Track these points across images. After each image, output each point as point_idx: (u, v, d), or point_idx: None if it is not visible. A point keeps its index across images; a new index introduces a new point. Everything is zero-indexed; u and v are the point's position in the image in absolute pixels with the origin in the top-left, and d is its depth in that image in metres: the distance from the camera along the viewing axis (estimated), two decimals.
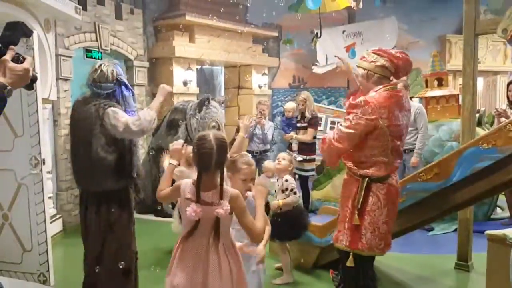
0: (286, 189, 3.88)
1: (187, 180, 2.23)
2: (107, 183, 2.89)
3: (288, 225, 3.84)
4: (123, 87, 2.99)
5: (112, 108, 2.85)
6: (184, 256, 2.22)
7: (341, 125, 2.75)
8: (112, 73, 2.92)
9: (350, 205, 2.78)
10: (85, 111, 2.89)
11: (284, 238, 3.93)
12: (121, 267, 2.98)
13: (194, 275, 2.16)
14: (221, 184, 2.13)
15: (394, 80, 2.86)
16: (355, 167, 2.78)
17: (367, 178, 2.72)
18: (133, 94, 3.10)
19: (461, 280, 4.03)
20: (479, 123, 5.96)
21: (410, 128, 5.04)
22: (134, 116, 2.89)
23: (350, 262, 2.77)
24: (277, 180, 3.98)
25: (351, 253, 2.76)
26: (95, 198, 2.94)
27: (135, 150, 3.06)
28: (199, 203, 2.11)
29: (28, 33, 1.77)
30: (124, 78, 3.03)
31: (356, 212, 2.72)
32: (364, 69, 2.81)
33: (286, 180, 3.91)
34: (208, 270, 2.15)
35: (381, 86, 2.73)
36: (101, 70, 2.91)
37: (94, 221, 2.95)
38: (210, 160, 2.11)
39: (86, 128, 2.85)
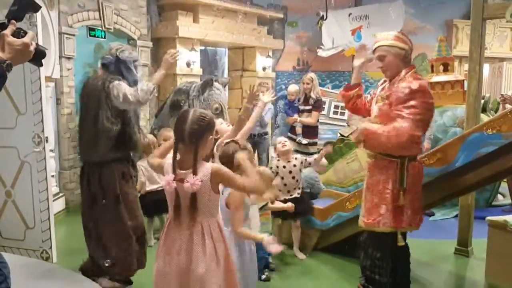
0: (308, 163, 4.11)
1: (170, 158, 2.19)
2: (110, 154, 3.10)
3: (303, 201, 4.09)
4: (122, 65, 3.17)
5: (117, 81, 3.07)
6: (168, 240, 2.18)
7: (404, 116, 2.69)
8: (117, 50, 3.16)
9: (390, 187, 2.82)
10: (94, 84, 3.14)
11: (301, 215, 4.04)
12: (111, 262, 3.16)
13: (178, 258, 2.12)
14: (194, 161, 2.06)
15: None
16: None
17: (406, 158, 2.80)
18: (133, 72, 3.22)
19: (460, 265, 4.05)
20: (484, 110, 5.92)
21: None
22: (133, 87, 3.08)
23: (400, 241, 2.85)
24: (287, 163, 4.02)
25: (398, 233, 2.84)
26: (97, 171, 3.14)
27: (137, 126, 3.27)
28: (175, 174, 2.08)
29: (36, 7, 1.77)
30: (126, 57, 3.18)
31: (402, 192, 2.78)
32: (402, 48, 2.84)
33: (306, 159, 4.12)
34: (192, 253, 2.10)
35: (410, 70, 2.85)
36: (111, 48, 3.21)
37: (98, 194, 3.14)
38: (183, 130, 2.08)
39: (94, 100, 3.08)
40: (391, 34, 2.92)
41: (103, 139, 3.06)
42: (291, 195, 4.02)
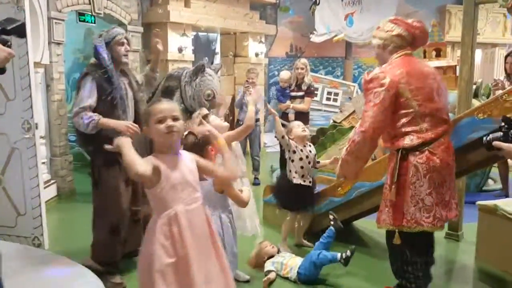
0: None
1: None
2: (89, 142, 3.21)
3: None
4: (95, 51, 3.21)
5: (87, 76, 3.16)
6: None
7: (365, 110, 2.64)
8: (98, 36, 3.24)
9: (388, 181, 2.70)
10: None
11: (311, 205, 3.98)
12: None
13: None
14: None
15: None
16: (389, 142, 2.71)
17: (400, 150, 2.63)
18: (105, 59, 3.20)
19: (451, 249, 4.09)
20: (476, 95, 5.93)
21: None
22: (81, 111, 3.10)
23: (397, 239, 2.67)
24: (303, 147, 3.87)
25: (396, 231, 2.67)
26: (90, 157, 3.30)
27: (122, 117, 3.22)
28: None
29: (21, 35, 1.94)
30: (98, 42, 3.20)
31: (393, 186, 2.62)
32: (381, 38, 2.75)
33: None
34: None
35: (395, 55, 2.69)
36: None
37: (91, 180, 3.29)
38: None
39: None
40: (380, 23, 2.83)
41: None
42: (304, 181, 3.83)
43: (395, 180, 2.64)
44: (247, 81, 6.14)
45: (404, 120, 2.62)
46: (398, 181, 2.65)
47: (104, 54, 3.17)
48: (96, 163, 3.23)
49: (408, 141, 2.61)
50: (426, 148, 2.60)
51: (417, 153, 2.60)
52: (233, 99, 6.98)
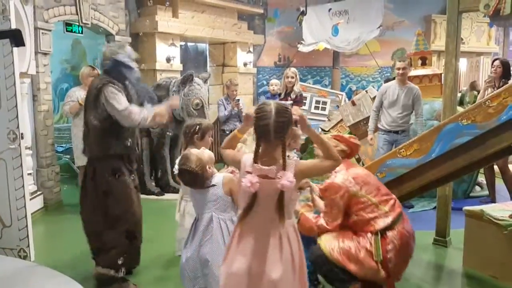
0: None
1: (250, 154, 2.07)
2: (100, 150, 3.21)
3: None
4: (121, 66, 3.26)
5: (111, 86, 3.15)
6: (242, 240, 2.06)
7: (325, 212, 2.86)
8: (111, 53, 3.25)
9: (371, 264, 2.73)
10: (92, 84, 3.30)
11: None
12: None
13: (253, 261, 2.00)
14: (283, 156, 1.96)
15: None
16: (362, 231, 2.80)
17: (378, 232, 2.75)
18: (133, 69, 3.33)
19: (439, 255, 4.11)
20: (461, 103, 6.03)
21: (403, 111, 5.07)
22: (132, 107, 3.16)
23: None
24: None
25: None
26: (91, 165, 3.29)
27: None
28: (257, 175, 1.96)
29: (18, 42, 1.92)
30: (122, 58, 3.26)
31: (380, 266, 2.70)
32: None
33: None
34: (267, 257, 1.98)
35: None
36: (105, 53, 3.28)
37: (91, 188, 3.27)
38: (268, 128, 1.93)
39: (89, 99, 3.24)
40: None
41: (91, 137, 3.22)
42: None
43: (381, 259, 2.70)
44: (233, 92, 6.19)
45: (368, 210, 2.79)
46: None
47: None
48: (104, 173, 3.23)
49: (381, 223, 2.76)
50: (396, 226, 2.77)
51: (391, 231, 2.76)
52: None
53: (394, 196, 2.92)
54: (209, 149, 2.98)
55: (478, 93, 5.89)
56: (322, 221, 2.84)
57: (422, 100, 5.23)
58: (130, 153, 3.38)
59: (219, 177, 2.63)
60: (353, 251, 2.72)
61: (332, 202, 2.81)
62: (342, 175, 2.83)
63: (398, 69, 5.17)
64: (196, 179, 2.56)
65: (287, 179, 1.90)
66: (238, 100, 6.14)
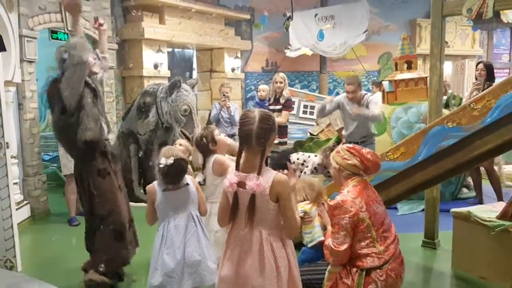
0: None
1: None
2: (75, 148, 3.26)
3: None
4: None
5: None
6: (230, 247, 2.12)
7: (333, 231, 2.72)
8: (59, 53, 3.33)
9: None
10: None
11: None
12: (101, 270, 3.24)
13: (238, 267, 2.06)
14: (260, 162, 1.98)
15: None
16: (349, 262, 2.72)
17: (364, 270, 2.66)
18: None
19: (428, 257, 4.14)
20: (447, 105, 6.09)
21: (358, 123, 4.96)
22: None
23: None
24: None
25: None
26: (77, 169, 3.36)
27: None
28: (238, 176, 2.01)
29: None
30: (66, 55, 3.29)
31: None
32: (337, 163, 2.80)
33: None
34: (249, 264, 2.03)
35: (350, 182, 2.74)
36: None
37: (80, 190, 3.37)
38: (250, 134, 1.97)
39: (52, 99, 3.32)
40: (339, 148, 2.87)
41: (61, 133, 3.33)
42: None
43: None
44: (223, 94, 6.18)
45: (363, 243, 2.68)
46: None
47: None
48: (88, 174, 3.28)
49: (370, 262, 2.66)
50: (385, 267, 2.68)
51: (378, 270, 2.66)
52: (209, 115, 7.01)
53: (393, 231, 2.79)
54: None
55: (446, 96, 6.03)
56: (329, 242, 2.70)
57: (379, 103, 5.18)
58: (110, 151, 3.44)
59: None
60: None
61: (339, 223, 2.66)
62: (355, 196, 2.65)
63: (347, 92, 4.95)
64: (185, 169, 2.76)
65: (254, 181, 1.95)
66: (225, 100, 6.12)
